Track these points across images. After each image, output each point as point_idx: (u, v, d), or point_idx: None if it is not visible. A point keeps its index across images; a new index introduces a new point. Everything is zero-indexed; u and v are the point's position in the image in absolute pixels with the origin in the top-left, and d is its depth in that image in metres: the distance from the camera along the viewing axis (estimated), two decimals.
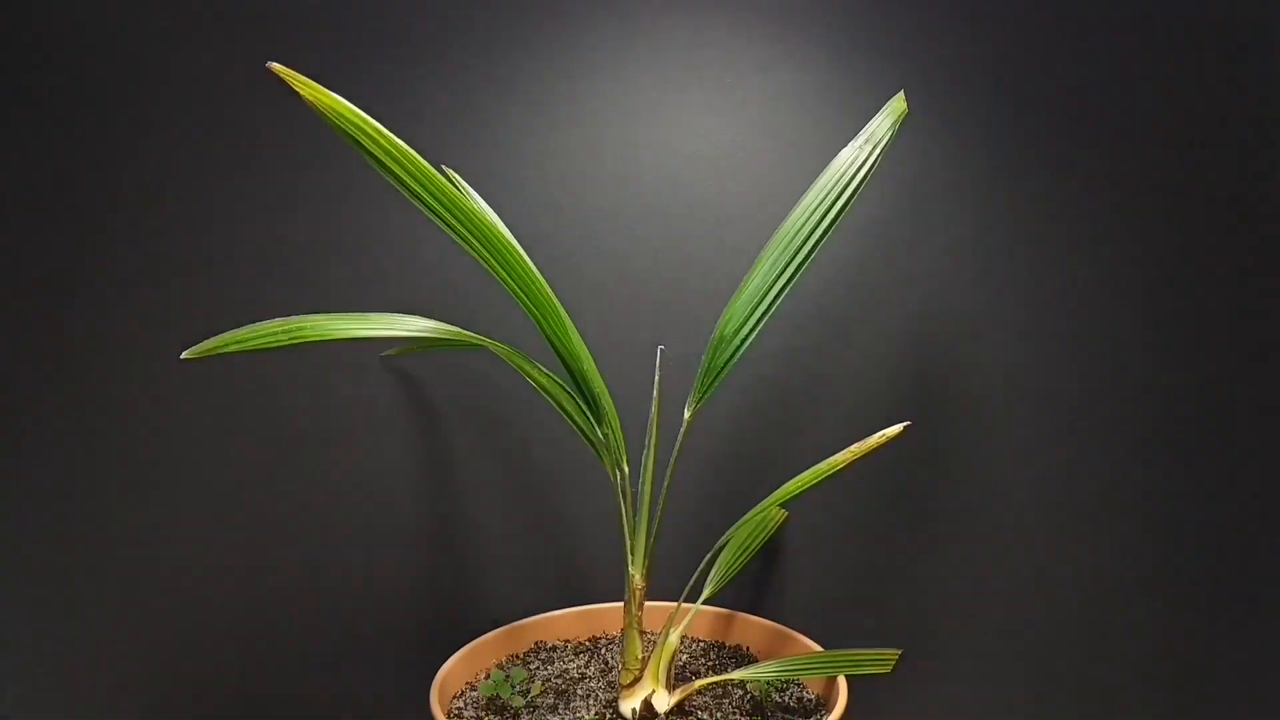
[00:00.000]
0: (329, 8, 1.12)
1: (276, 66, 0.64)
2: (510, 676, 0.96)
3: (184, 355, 0.61)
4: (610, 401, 0.92)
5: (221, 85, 1.12)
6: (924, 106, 1.14)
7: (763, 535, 1.10)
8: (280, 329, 0.65)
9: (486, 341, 0.78)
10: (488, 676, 1.01)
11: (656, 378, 0.92)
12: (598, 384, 0.97)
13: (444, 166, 1.06)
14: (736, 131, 1.16)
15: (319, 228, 1.14)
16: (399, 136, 0.70)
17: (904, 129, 1.14)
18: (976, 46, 1.14)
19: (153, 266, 1.12)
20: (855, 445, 0.79)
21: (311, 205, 1.13)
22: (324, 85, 0.67)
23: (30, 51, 1.09)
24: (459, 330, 0.77)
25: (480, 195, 1.13)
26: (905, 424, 0.78)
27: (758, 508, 0.86)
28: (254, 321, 0.68)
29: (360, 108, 0.69)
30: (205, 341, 0.62)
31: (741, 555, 1.05)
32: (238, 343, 0.63)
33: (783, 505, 0.88)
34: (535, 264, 0.97)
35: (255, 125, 1.12)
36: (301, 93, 0.66)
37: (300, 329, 0.65)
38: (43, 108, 1.10)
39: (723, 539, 0.93)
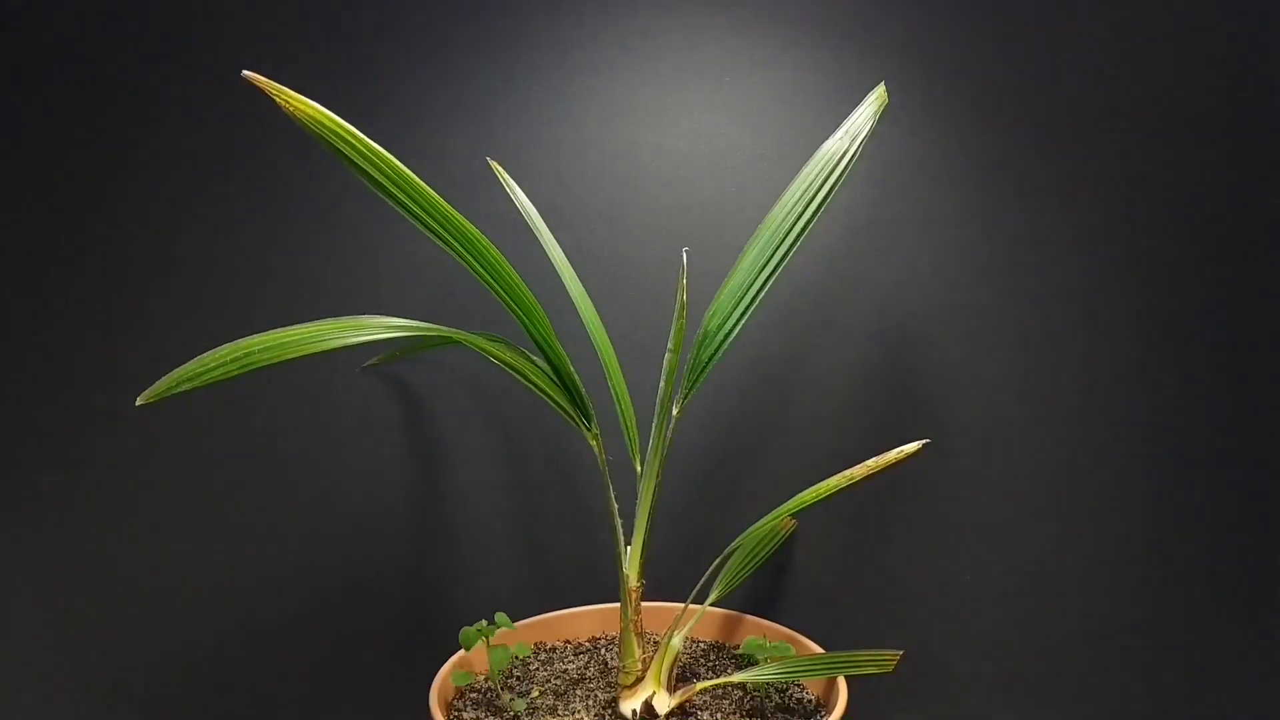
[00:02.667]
0: (325, 8, 1.12)
1: (251, 75, 0.63)
2: (509, 651, 0.96)
3: (139, 401, 0.61)
4: (626, 394, 0.92)
5: (216, 86, 1.13)
6: (923, 105, 1.13)
7: (772, 545, 1.09)
8: (228, 357, 0.63)
9: (455, 333, 0.78)
10: (488, 678, 1.01)
11: (682, 283, 0.84)
12: (617, 379, 0.98)
13: (489, 160, 1.07)
14: (734, 130, 1.15)
15: (316, 230, 1.14)
16: (393, 136, 0.70)
17: (902, 128, 1.13)
18: (976, 45, 1.13)
19: (149, 268, 1.13)
20: (873, 460, 0.79)
21: (308, 207, 1.14)
22: (319, 87, 0.67)
23: (24, 55, 1.11)
24: (424, 325, 0.76)
25: (476, 195, 1.13)
26: (924, 441, 0.78)
27: (770, 516, 0.86)
28: (252, 320, 0.69)
29: (354, 109, 0.69)
30: (156, 384, 0.61)
31: (750, 563, 1.05)
32: (189, 380, 0.62)
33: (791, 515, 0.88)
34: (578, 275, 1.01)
35: (253, 126, 1.13)
36: (277, 100, 0.65)
37: (249, 354, 0.64)
38: (39, 111, 1.11)
39: (733, 545, 0.92)
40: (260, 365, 0.64)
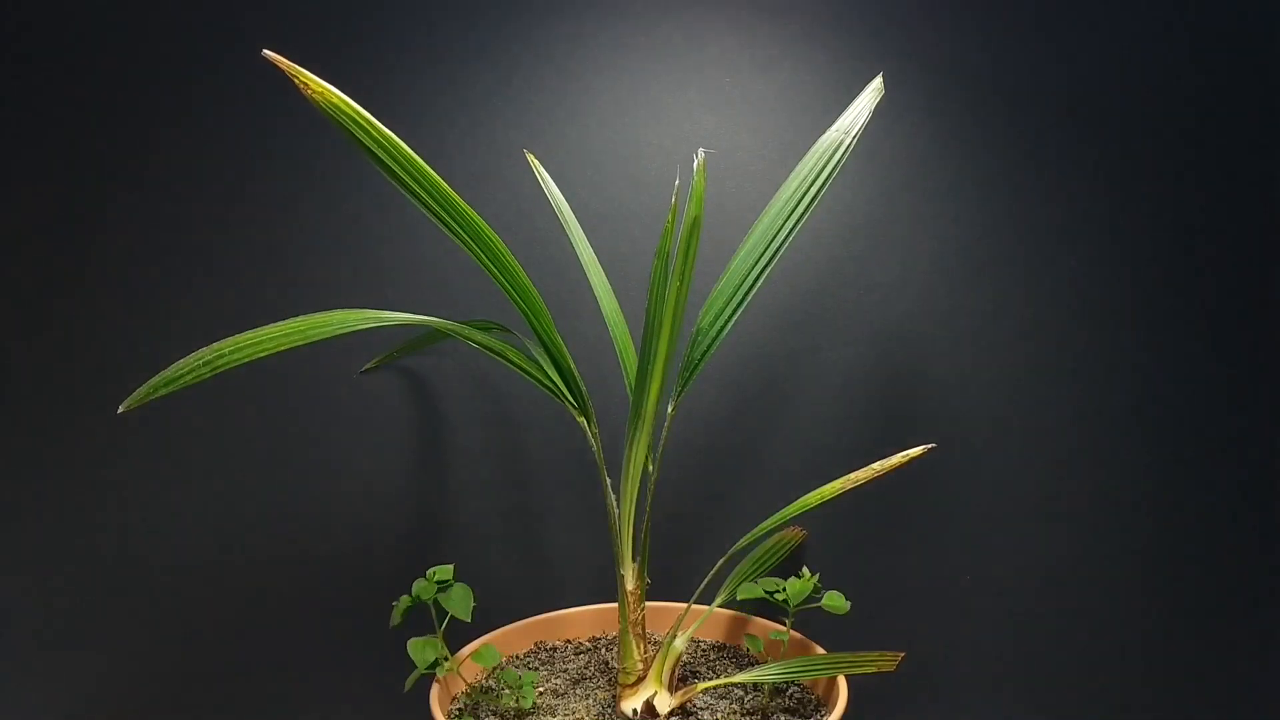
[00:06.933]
0: (327, 11, 1.14)
1: (271, 55, 0.65)
2: (502, 679, 0.96)
3: (120, 409, 0.62)
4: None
5: (219, 84, 1.14)
6: (922, 105, 1.13)
7: (780, 554, 1.09)
8: (200, 361, 0.65)
9: (434, 321, 0.79)
10: (487, 677, 1.01)
11: (696, 181, 0.70)
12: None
13: (526, 151, 1.09)
14: (736, 131, 1.15)
15: (319, 227, 1.15)
16: (396, 134, 0.71)
17: (901, 128, 1.13)
18: (976, 45, 1.13)
19: (152, 264, 1.15)
20: (878, 464, 0.81)
21: (311, 205, 1.15)
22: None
23: (28, 50, 1.12)
24: (397, 315, 0.76)
25: (478, 195, 1.14)
26: (929, 445, 0.81)
27: (774, 519, 0.87)
28: (252, 319, 0.70)
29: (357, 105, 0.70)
30: (137, 391, 0.63)
31: (758, 569, 1.05)
32: (166, 384, 0.63)
33: (795, 518, 0.88)
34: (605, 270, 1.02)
35: (254, 125, 1.14)
36: (297, 82, 0.66)
37: (219, 356, 0.65)
38: (42, 108, 1.13)
39: (737, 546, 0.92)
40: (231, 366, 0.65)
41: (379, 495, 1.18)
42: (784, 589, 0.98)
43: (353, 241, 1.15)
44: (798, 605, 0.97)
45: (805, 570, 1.00)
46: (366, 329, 0.73)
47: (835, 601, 0.98)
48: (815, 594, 0.98)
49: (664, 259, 0.73)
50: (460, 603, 0.90)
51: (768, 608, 1.17)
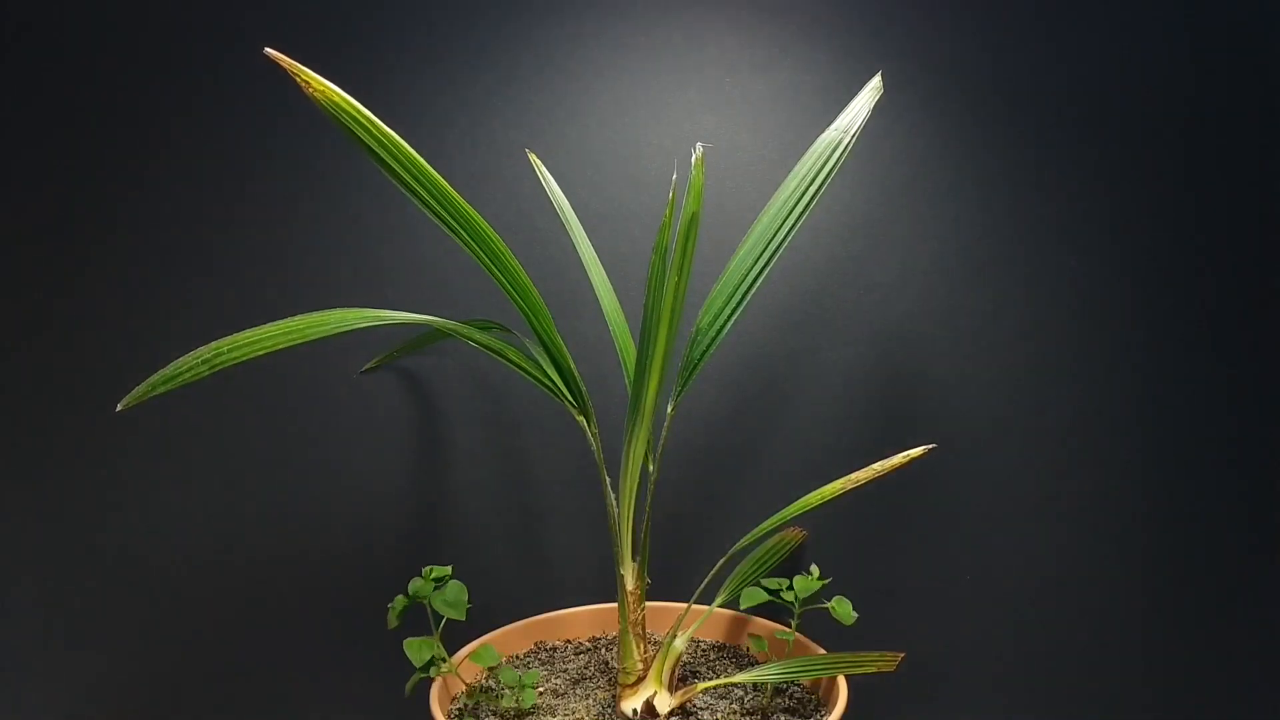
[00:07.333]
0: (328, 12, 1.14)
1: (274, 53, 0.65)
2: (500, 677, 0.96)
3: (119, 407, 0.63)
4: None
5: (219, 84, 1.14)
6: (921, 104, 1.13)
7: (780, 554, 1.09)
8: (199, 360, 0.65)
9: (431, 320, 0.79)
10: (487, 677, 1.01)
11: (694, 176, 0.70)
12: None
13: (527, 151, 1.09)
14: (735, 131, 1.15)
15: (319, 227, 1.15)
16: (396, 134, 0.71)
17: (902, 127, 1.13)
18: (976, 45, 1.13)
19: (153, 264, 1.15)
20: (878, 464, 0.82)
21: (311, 205, 1.15)
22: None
23: (28, 50, 1.13)
24: (393, 314, 0.76)
25: (478, 195, 1.14)
26: (930, 445, 0.81)
27: (774, 519, 0.87)
28: (253, 319, 0.70)
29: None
30: (136, 389, 0.63)
31: (759, 569, 1.05)
32: (165, 382, 0.64)
33: (795, 518, 0.88)
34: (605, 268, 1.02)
35: (254, 125, 1.14)
36: (299, 80, 0.66)
37: (218, 355, 0.65)
38: (42, 108, 1.13)
39: (737, 546, 0.92)
40: (229, 364, 0.65)
41: (379, 495, 1.18)
42: (791, 586, 0.98)
43: (353, 241, 1.15)
44: (804, 603, 0.97)
45: (815, 568, 1.00)
46: (366, 328, 0.73)
47: (843, 610, 0.98)
48: (820, 594, 0.98)
49: (662, 254, 0.73)
50: (453, 601, 0.90)
51: (768, 608, 1.18)
